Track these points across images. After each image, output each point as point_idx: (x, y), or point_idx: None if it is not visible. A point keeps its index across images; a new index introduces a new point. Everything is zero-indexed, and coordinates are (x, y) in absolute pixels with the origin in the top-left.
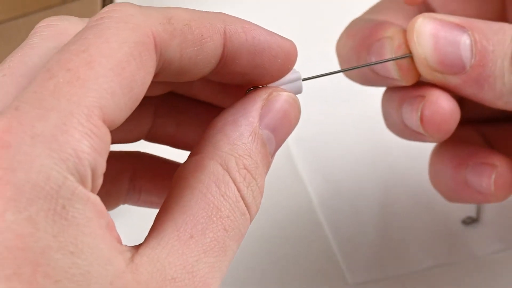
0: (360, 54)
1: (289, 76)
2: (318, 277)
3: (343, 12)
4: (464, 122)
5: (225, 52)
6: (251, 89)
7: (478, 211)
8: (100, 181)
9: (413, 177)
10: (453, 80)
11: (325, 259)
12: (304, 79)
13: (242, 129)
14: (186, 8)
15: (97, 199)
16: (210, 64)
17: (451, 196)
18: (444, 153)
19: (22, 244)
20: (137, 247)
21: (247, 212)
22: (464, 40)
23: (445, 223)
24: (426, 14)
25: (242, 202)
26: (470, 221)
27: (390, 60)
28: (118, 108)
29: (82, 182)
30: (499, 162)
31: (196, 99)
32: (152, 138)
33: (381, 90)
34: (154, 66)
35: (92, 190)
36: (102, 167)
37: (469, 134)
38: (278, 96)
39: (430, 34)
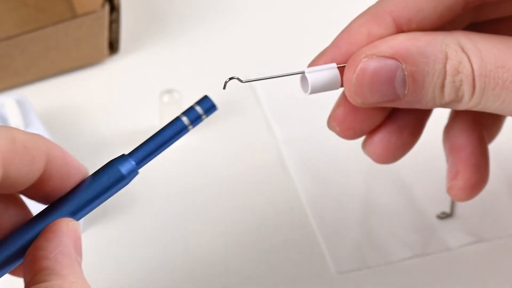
0: None
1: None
2: (305, 267)
3: (330, 27)
4: None
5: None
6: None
7: (452, 207)
8: None
9: (393, 175)
10: (387, 104)
11: (311, 250)
12: (252, 80)
13: None
14: (24, 130)
15: None
16: (32, 180)
17: None
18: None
19: None
20: None
21: None
22: (398, 74)
23: (422, 217)
24: (368, 51)
25: None
26: (444, 216)
27: (290, 74)
28: None
29: None
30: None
31: None
32: None
33: None
34: None
35: None
36: None
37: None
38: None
39: (370, 75)
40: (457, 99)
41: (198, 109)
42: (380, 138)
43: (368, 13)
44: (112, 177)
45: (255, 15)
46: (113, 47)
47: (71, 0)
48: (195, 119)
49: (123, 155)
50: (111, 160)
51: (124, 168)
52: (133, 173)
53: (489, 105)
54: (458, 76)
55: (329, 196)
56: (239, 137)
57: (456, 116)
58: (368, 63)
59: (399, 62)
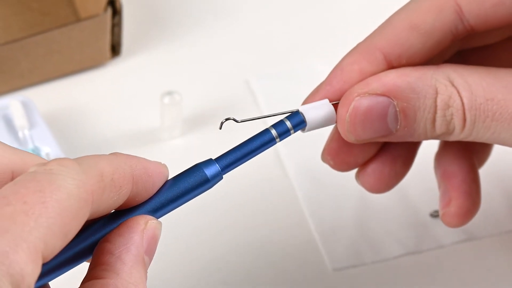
0: None
1: (319, 102)
2: (301, 264)
3: (327, 29)
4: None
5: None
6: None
7: None
8: None
9: None
10: (379, 139)
11: (308, 248)
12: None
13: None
14: (109, 157)
15: None
16: (118, 205)
17: None
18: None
19: None
20: None
21: None
22: (390, 110)
23: (415, 216)
24: (360, 89)
25: None
26: (437, 214)
27: (280, 114)
28: (53, 248)
29: None
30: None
31: None
32: None
33: None
34: (86, 217)
35: None
36: None
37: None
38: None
39: (362, 114)
40: (448, 131)
41: (288, 123)
42: (373, 169)
43: (359, 49)
44: (196, 178)
45: (255, 17)
46: (115, 50)
47: (75, 4)
48: (283, 133)
49: (210, 159)
50: (197, 163)
51: (209, 171)
52: (217, 177)
53: (480, 136)
54: (448, 110)
55: (325, 195)
56: (238, 139)
57: (447, 144)
58: (361, 102)
59: (391, 99)
